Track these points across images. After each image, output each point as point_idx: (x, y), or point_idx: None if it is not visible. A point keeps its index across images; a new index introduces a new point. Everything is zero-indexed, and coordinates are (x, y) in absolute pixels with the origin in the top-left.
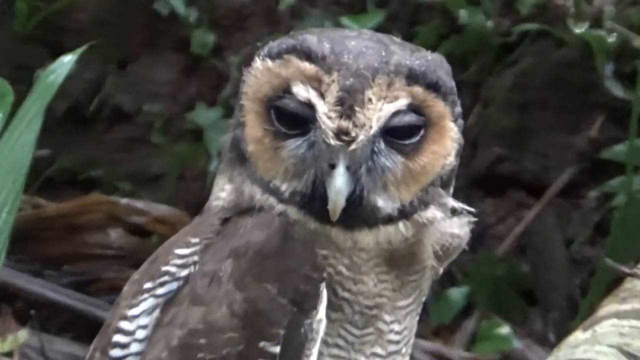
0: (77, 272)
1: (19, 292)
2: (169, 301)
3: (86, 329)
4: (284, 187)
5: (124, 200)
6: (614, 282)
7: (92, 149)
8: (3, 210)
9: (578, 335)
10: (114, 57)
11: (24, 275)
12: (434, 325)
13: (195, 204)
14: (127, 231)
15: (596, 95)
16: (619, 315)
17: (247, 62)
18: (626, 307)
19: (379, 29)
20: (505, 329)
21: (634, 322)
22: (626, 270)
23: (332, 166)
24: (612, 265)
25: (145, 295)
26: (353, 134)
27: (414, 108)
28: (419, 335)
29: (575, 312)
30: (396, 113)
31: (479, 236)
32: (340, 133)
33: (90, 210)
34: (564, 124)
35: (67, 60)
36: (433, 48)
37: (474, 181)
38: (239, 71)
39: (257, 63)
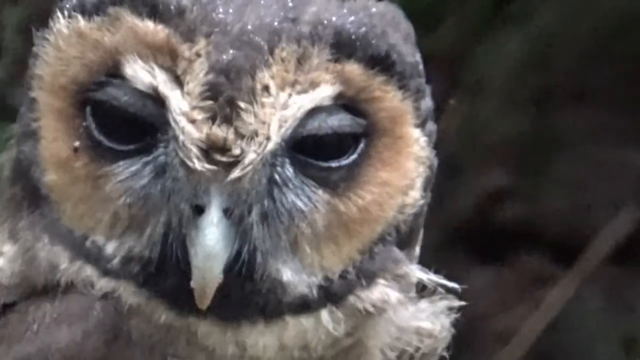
0: None
1: None
2: None
3: None
4: (110, 249)
5: None
6: None
7: None
8: None
9: None
10: None
11: None
12: None
13: None
14: None
15: None
16: None
17: (38, 21)
18: None
19: None
20: None
21: None
22: None
23: (199, 209)
24: None
25: None
26: (236, 151)
27: (348, 102)
28: None
29: None
30: (315, 112)
31: (466, 334)
32: (212, 149)
33: None
34: (618, 129)
35: None
36: None
37: (457, 236)
38: (22, 38)
39: (60, 23)
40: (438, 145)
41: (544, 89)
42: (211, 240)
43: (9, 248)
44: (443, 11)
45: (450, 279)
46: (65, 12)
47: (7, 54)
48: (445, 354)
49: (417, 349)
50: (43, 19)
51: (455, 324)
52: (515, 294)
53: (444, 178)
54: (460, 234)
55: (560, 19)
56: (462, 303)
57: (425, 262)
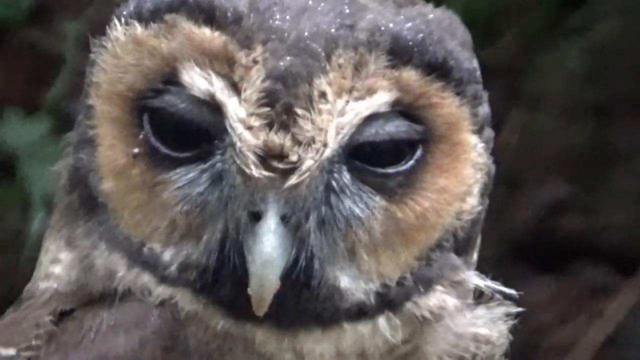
0: None
1: None
2: None
3: None
4: (168, 256)
5: None
6: None
7: None
8: None
9: None
10: None
11: None
12: None
13: (4, 292)
14: None
15: None
16: None
17: (97, 34)
18: None
19: None
20: None
21: None
22: None
23: (256, 216)
24: None
25: None
26: (293, 158)
27: (405, 109)
28: None
29: None
30: (372, 119)
31: (525, 345)
32: (269, 156)
33: None
34: None
35: None
36: (437, 3)
37: (516, 247)
38: (81, 51)
39: (117, 31)
40: (498, 157)
41: (603, 100)
42: (268, 247)
43: (66, 255)
44: (503, 22)
45: (508, 287)
46: (123, 20)
47: (67, 66)
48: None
49: (475, 355)
50: (101, 32)
51: (515, 336)
52: (575, 306)
53: (504, 190)
54: (520, 246)
55: (619, 31)
56: (520, 309)
57: (484, 273)
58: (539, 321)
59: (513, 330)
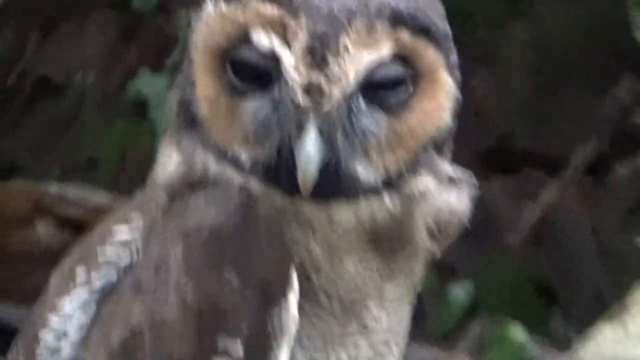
0: None
1: None
2: (108, 294)
3: (6, 344)
4: (244, 156)
5: (54, 188)
6: None
7: (13, 129)
8: None
9: (606, 332)
10: (37, 18)
11: None
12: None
13: None
14: (58, 225)
15: (630, 52)
16: None
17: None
18: None
19: None
20: (519, 333)
21: None
22: None
23: (301, 129)
24: None
25: (79, 289)
26: (326, 90)
27: (400, 57)
28: (415, 340)
29: (604, 312)
30: (379, 65)
31: (485, 224)
32: (310, 89)
33: (12, 201)
34: (592, 86)
35: None
36: None
37: (481, 158)
38: (189, 31)
39: (209, 8)
40: (465, 98)
41: (546, 64)
42: (310, 149)
43: (176, 156)
44: (472, 12)
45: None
46: (213, 1)
47: (181, 42)
48: (468, 225)
49: (448, 220)
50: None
51: (478, 216)
52: (519, 196)
53: (474, 121)
54: (484, 157)
55: (556, 20)
56: (476, 187)
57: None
58: (495, 207)
59: (475, 209)
